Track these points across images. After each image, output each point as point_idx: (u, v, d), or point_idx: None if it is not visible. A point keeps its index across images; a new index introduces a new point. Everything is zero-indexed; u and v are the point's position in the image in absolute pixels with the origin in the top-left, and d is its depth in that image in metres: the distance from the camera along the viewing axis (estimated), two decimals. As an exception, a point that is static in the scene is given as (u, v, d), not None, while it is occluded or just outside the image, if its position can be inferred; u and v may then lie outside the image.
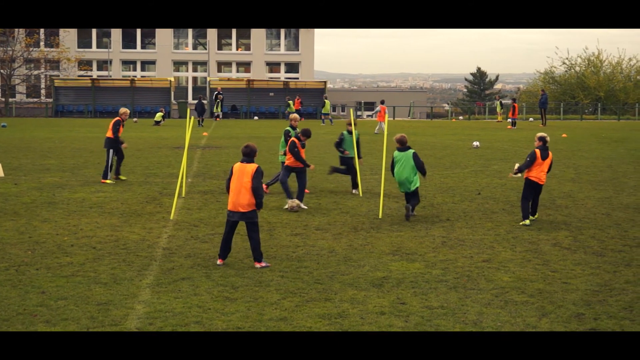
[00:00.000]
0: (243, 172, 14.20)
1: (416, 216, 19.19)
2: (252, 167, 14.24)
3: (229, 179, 14.35)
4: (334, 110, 70.64)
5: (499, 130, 55.57)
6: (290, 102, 68.20)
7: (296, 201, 20.15)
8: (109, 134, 25.41)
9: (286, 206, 20.11)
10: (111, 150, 25.19)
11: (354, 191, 23.11)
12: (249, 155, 14.40)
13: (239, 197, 14.16)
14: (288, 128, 22.52)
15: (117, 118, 25.58)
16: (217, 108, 68.93)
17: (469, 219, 18.99)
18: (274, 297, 12.15)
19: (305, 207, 20.28)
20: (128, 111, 26.23)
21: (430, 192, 23.24)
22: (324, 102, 65.38)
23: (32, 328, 10.56)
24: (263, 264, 14.19)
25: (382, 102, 54.50)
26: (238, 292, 12.41)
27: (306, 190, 21.79)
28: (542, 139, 18.59)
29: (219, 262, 14.32)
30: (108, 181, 24.94)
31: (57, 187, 23.80)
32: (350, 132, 23.23)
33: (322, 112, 65.72)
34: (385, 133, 20.71)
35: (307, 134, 21.11)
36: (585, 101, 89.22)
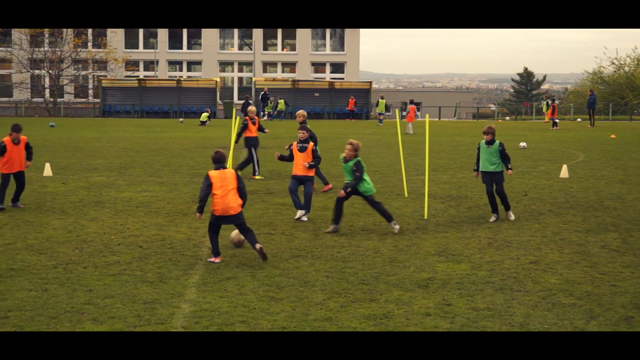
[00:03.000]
0: (225, 177, 14.57)
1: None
2: (231, 171, 14.79)
3: (209, 186, 14.50)
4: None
5: (546, 130, 55.15)
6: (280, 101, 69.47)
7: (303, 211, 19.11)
8: (253, 133, 26.26)
9: (297, 216, 19.02)
10: (252, 149, 26.16)
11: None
12: (220, 161, 14.82)
13: (230, 201, 14.50)
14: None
15: (246, 117, 26.53)
16: (267, 108, 69.35)
17: (516, 221, 18.84)
18: (319, 298, 12.14)
19: (306, 219, 18.94)
20: (254, 109, 27.03)
21: (476, 193, 23.11)
22: (378, 101, 65.30)
23: (79, 326, 10.64)
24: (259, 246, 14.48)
25: (411, 102, 54.19)
26: (283, 292, 12.41)
27: (329, 186, 21.60)
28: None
29: (217, 260, 14.51)
30: (257, 177, 26.15)
31: (105, 187, 23.98)
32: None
33: (378, 111, 65.65)
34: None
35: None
36: (635, 101, 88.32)
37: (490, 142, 18.60)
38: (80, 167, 29.46)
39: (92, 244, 15.95)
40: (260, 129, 26.64)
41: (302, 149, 19.27)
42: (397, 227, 17.32)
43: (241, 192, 14.62)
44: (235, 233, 15.67)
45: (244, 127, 26.31)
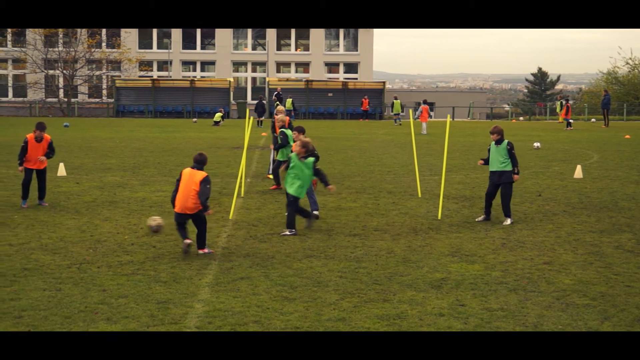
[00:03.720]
0: (192, 178, 14.88)
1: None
2: (202, 174, 14.95)
3: (178, 181, 15.06)
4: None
5: (560, 131, 55.02)
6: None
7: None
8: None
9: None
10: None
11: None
12: (200, 162, 15.18)
13: (187, 201, 14.84)
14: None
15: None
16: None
17: (530, 221, 18.81)
18: (332, 298, 12.13)
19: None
20: (283, 109, 27.19)
21: (490, 193, 23.05)
22: (393, 102, 65.31)
23: (93, 325, 10.66)
24: (206, 250, 15.00)
25: (424, 102, 54.09)
26: (296, 292, 12.41)
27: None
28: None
29: (187, 241, 14.85)
30: (270, 176, 26.07)
31: (118, 187, 24.03)
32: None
33: (394, 112, 65.63)
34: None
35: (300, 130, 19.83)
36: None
37: (498, 142, 18.57)
38: (94, 167, 29.53)
39: (105, 243, 15.98)
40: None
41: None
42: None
43: (201, 198, 14.79)
44: (157, 220, 15.94)
45: (273, 128, 26.79)
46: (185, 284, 12.87)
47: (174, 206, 15.12)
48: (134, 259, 14.59)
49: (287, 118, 23.15)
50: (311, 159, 17.59)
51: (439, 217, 19.19)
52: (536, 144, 39.36)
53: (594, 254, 15.43)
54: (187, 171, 15.05)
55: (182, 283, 12.90)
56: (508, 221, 18.54)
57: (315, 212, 18.48)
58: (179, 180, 15.08)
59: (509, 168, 18.46)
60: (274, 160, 26.47)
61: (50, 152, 20.35)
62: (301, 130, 19.49)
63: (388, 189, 24.01)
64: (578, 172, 27.16)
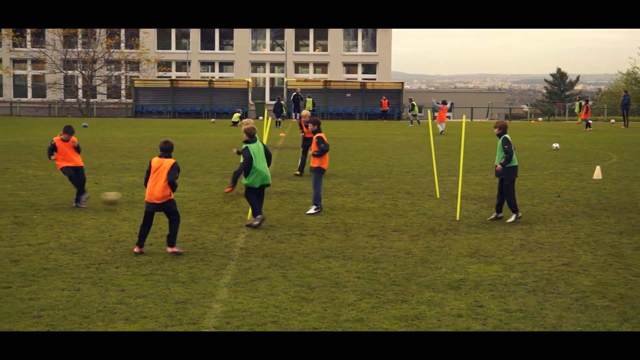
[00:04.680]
0: (161, 166, 14.93)
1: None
2: (170, 162, 14.97)
3: (147, 172, 15.14)
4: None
5: (579, 131, 54.82)
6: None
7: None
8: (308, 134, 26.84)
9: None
10: (305, 149, 27.13)
11: None
12: (167, 150, 15.13)
13: (154, 189, 14.97)
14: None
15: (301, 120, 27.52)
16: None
17: (548, 222, 18.75)
18: (350, 298, 12.12)
19: (312, 211, 19.73)
20: (308, 113, 27.42)
21: (508, 194, 22.99)
22: (413, 104, 65.35)
23: (111, 325, 10.69)
24: (175, 249, 14.97)
25: (443, 103, 53.95)
26: (314, 293, 12.40)
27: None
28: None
29: (136, 249, 14.97)
30: (297, 173, 27.43)
31: (137, 187, 24.07)
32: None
33: (411, 113, 65.62)
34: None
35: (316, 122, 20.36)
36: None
37: (499, 137, 18.88)
38: (113, 167, 29.62)
39: (124, 243, 16.02)
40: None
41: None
42: (256, 222, 17.77)
43: (171, 185, 14.94)
44: (112, 195, 16.44)
45: (300, 127, 27.91)
46: (204, 284, 12.88)
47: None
48: (152, 259, 14.61)
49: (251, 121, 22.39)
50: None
51: (457, 217, 19.15)
52: (555, 145, 39.22)
53: (613, 255, 15.37)
54: (156, 160, 15.09)
55: (200, 283, 12.92)
56: (512, 217, 18.65)
57: (260, 216, 18.15)
58: (148, 171, 15.12)
59: (509, 164, 18.62)
60: (302, 160, 26.95)
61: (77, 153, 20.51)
62: (315, 123, 20.26)
63: (406, 190, 23.99)
64: (597, 173, 27.05)
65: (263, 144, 18.15)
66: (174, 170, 14.89)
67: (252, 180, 17.72)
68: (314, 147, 19.78)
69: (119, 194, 17.53)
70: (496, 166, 18.76)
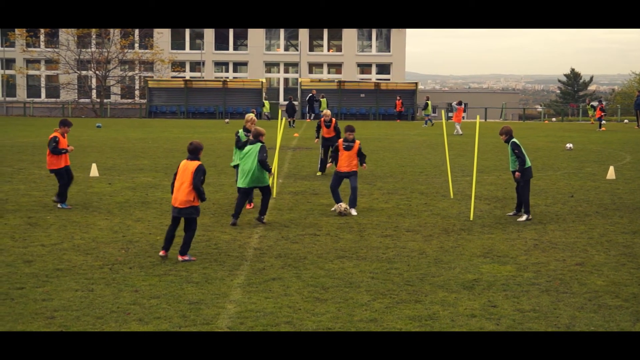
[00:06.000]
0: (186, 169, 14.60)
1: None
2: (194, 164, 14.62)
3: (174, 175, 14.83)
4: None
5: (593, 132, 54.67)
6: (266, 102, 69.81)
7: (343, 205, 19.62)
8: (328, 134, 27.36)
9: (334, 208, 19.80)
10: (324, 148, 27.50)
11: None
12: (192, 152, 14.78)
13: (179, 192, 14.57)
14: (240, 130, 20.90)
15: (320, 119, 27.91)
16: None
17: (562, 222, 18.71)
18: (364, 299, 12.12)
19: (355, 214, 19.62)
20: (329, 112, 27.87)
21: (522, 194, 22.95)
22: (427, 103, 65.20)
23: (125, 326, 10.71)
24: (187, 258, 14.58)
25: (459, 103, 53.84)
26: (328, 293, 12.40)
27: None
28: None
29: (161, 253, 14.64)
30: (318, 173, 27.85)
31: (150, 187, 24.13)
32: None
33: (425, 113, 65.56)
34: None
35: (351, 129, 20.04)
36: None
37: (507, 142, 19.24)
38: (127, 167, 29.67)
39: (138, 244, 16.05)
40: (336, 130, 27.30)
41: (347, 148, 19.87)
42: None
43: (196, 189, 14.50)
44: None
45: (318, 128, 28.11)
46: (217, 284, 12.90)
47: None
48: (166, 259, 14.63)
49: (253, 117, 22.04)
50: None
51: (471, 218, 19.13)
52: (569, 145, 39.12)
53: (626, 255, 15.33)
54: (183, 163, 14.77)
55: (214, 284, 12.93)
56: (524, 217, 18.89)
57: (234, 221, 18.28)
58: (175, 174, 14.83)
59: (514, 167, 19.21)
60: (322, 160, 27.08)
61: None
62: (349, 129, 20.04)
63: (420, 190, 23.97)
64: (611, 173, 26.98)
65: (260, 148, 17.93)
66: (199, 173, 14.48)
67: (238, 180, 18.35)
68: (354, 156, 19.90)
69: None
70: (514, 173, 19.10)
